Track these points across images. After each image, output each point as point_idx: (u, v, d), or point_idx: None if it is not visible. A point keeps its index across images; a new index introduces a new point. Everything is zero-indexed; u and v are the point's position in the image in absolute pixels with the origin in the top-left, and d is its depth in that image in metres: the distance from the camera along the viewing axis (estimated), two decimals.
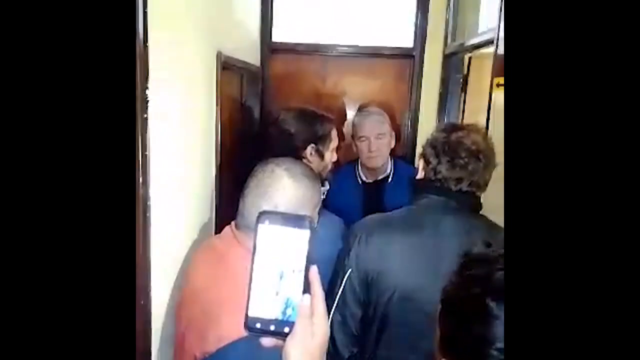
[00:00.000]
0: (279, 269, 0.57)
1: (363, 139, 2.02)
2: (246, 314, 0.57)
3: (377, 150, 2.00)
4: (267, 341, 0.58)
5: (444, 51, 2.52)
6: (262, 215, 0.58)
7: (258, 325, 0.57)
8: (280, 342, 0.57)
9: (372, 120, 2.03)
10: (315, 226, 0.57)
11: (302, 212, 1.06)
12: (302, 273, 0.56)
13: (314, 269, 0.57)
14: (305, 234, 0.57)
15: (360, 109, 2.22)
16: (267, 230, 0.58)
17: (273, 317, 0.57)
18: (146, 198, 1.00)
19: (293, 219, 0.58)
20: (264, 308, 0.57)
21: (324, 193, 1.59)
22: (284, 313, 0.57)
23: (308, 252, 0.57)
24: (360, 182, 2.14)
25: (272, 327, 0.57)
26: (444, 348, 0.60)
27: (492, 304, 0.52)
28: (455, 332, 0.58)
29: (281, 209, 1.02)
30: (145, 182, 0.99)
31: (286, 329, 0.56)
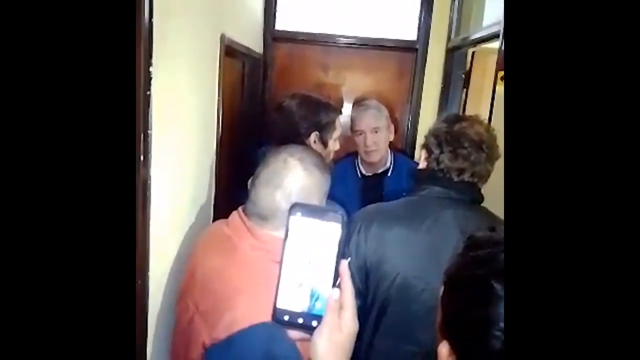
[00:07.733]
0: (309, 261, 0.56)
1: (359, 133, 2.00)
2: (274, 306, 0.56)
3: (373, 144, 1.98)
4: (294, 334, 0.57)
5: (447, 45, 2.51)
6: (295, 207, 0.58)
7: (286, 318, 0.56)
8: (307, 335, 0.56)
9: (368, 114, 1.98)
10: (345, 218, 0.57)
11: (312, 201, 1.05)
12: (332, 266, 0.56)
13: (344, 263, 0.57)
14: (337, 227, 0.56)
15: (356, 103, 2.11)
16: (299, 222, 0.57)
17: (301, 310, 0.56)
18: (146, 177, 0.99)
19: (326, 213, 0.57)
20: (293, 300, 0.56)
21: None
22: (312, 306, 0.56)
23: (339, 246, 0.56)
24: (359, 175, 2.12)
25: (300, 320, 0.56)
26: (446, 330, 0.59)
27: (497, 285, 0.52)
28: (458, 313, 0.57)
29: (294, 198, 1.02)
30: (147, 161, 0.97)
31: (314, 323, 0.56)
